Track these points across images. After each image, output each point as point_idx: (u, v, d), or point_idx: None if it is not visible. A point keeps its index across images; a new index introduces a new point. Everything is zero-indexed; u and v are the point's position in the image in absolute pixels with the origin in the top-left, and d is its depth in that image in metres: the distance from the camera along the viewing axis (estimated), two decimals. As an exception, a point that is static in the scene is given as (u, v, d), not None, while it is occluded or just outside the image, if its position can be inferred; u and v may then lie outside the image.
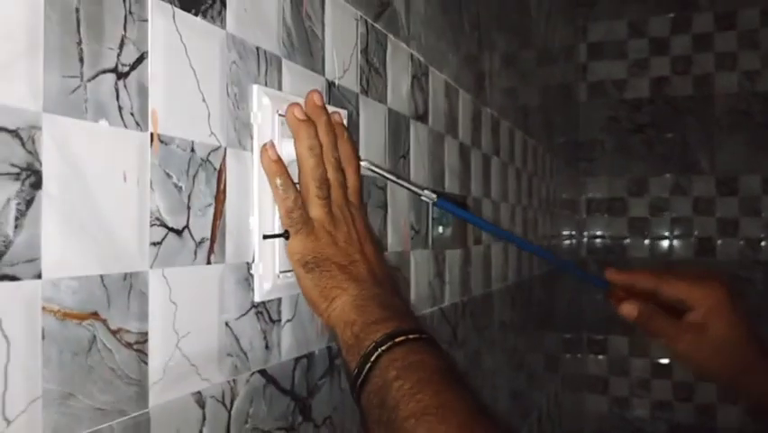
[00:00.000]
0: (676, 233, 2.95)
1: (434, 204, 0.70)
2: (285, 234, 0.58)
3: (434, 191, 0.69)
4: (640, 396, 2.96)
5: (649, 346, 2.93)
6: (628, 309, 0.72)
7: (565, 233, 2.66)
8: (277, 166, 0.58)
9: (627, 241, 3.02)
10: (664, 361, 2.93)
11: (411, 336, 0.54)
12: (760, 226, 2.82)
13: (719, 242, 2.88)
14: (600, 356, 3.02)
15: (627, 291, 0.75)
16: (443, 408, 0.48)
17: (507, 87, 1.62)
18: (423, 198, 0.69)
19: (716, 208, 2.87)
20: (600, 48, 3.04)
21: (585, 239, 3.08)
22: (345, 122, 0.69)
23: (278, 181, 0.58)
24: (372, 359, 0.53)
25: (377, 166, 0.66)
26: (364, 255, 0.61)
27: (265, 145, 0.58)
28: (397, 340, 0.53)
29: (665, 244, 2.96)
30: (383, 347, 0.53)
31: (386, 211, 0.86)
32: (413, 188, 0.70)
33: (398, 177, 0.70)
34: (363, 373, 0.53)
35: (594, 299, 3.00)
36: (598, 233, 3.07)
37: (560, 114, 2.58)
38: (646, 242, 2.99)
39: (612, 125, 2.99)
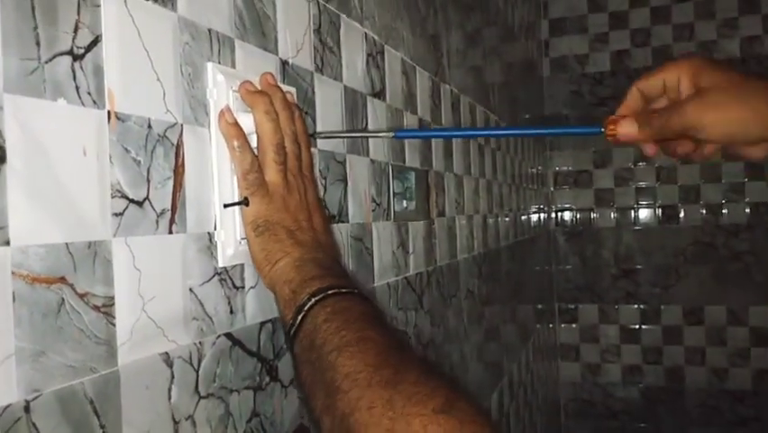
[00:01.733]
0: (641, 202, 3.02)
1: (394, 137, 0.72)
2: (244, 202, 0.62)
3: (389, 129, 0.73)
4: (611, 361, 3.04)
5: (618, 313, 3.01)
6: (626, 129, 0.65)
7: (534, 207, 2.72)
8: (234, 129, 0.61)
9: (594, 211, 3.09)
10: (634, 326, 3.01)
11: (344, 290, 0.58)
12: (720, 192, 2.90)
13: (683, 209, 2.95)
14: (573, 325, 3.10)
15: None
16: (363, 340, 0.52)
17: (467, 65, 1.66)
18: (381, 137, 0.72)
19: (678, 176, 2.94)
20: (562, 23, 3.10)
21: (554, 212, 3.14)
22: (296, 100, 0.73)
23: (236, 143, 0.61)
24: (306, 308, 0.56)
25: (327, 132, 0.70)
26: (311, 224, 0.65)
27: (222, 110, 0.61)
28: (330, 292, 0.57)
29: (631, 213, 3.04)
30: (317, 297, 0.57)
31: (346, 184, 0.90)
32: (369, 134, 0.73)
33: (350, 131, 0.73)
34: (297, 322, 0.57)
35: (564, 270, 3.07)
36: (566, 205, 3.13)
37: (524, 90, 2.63)
38: (612, 213, 3.06)
39: (575, 99, 3.06)
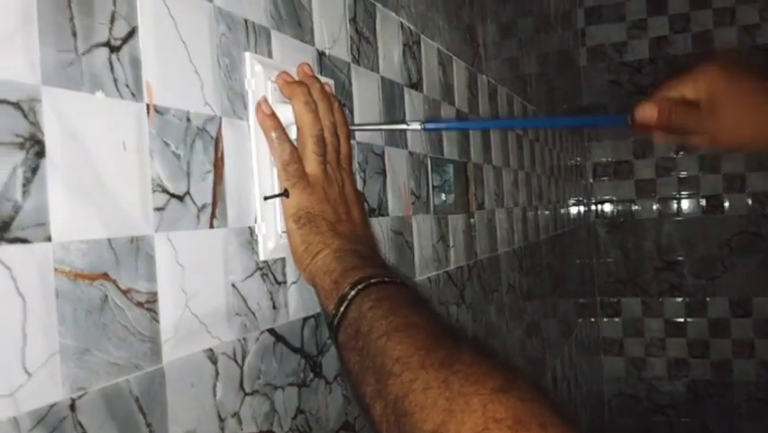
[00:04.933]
0: (683, 192, 2.95)
1: (423, 129, 0.72)
2: (285, 193, 0.60)
3: (416, 120, 0.73)
4: (656, 355, 2.98)
5: (662, 306, 2.95)
6: (645, 112, 0.70)
7: (573, 199, 2.67)
8: (271, 120, 0.60)
9: (635, 203, 3.03)
10: (679, 319, 2.95)
11: (386, 279, 0.56)
12: (767, 180, 2.81)
13: (727, 198, 2.88)
14: (616, 319, 3.04)
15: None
16: (412, 325, 0.50)
17: (504, 55, 1.63)
18: (410, 128, 0.72)
19: (722, 165, 2.87)
20: (598, 11, 3.04)
21: (594, 204, 3.09)
22: (334, 92, 0.72)
23: (274, 135, 0.60)
24: (349, 297, 0.55)
25: (358, 124, 0.70)
26: (350, 217, 0.64)
27: (259, 102, 0.60)
28: (373, 281, 0.56)
29: (674, 203, 2.97)
30: (360, 286, 0.55)
31: (384, 177, 0.88)
32: (398, 126, 0.73)
33: (381, 123, 0.73)
34: (341, 311, 0.55)
35: (606, 262, 3.02)
36: (607, 197, 3.08)
37: (561, 80, 2.59)
38: (654, 203, 3.00)
39: (614, 88, 3.00)
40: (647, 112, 0.69)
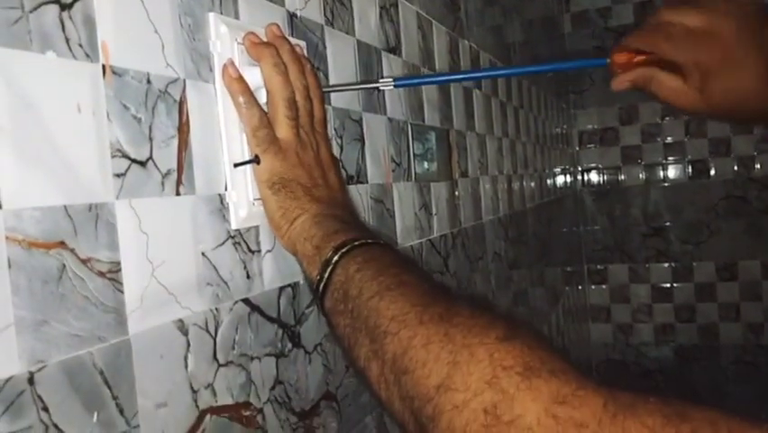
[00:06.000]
0: (669, 158, 2.95)
1: (394, 87, 0.70)
2: (255, 160, 0.58)
3: (387, 77, 0.72)
4: (643, 321, 3.00)
5: (648, 272, 2.96)
6: (618, 83, 0.65)
7: (559, 168, 2.66)
8: (239, 84, 0.58)
9: (621, 170, 3.02)
10: (665, 285, 2.96)
11: (370, 241, 0.55)
12: (752, 144, 2.81)
13: (713, 163, 2.88)
14: (603, 286, 3.05)
15: (628, 64, 0.65)
16: (404, 284, 0.49)
17: (487, 21, 1.60)
18: (381, 87, 0.70)
19: (708, 129, 2.86)
20: (582, -23, 3.00)
21: (580, 172, 3.08)
22: (306, 54, 0.69)
23: (242, 99, 0.58)
24: (334, 261, 0.54)
25: (329, 86, 0.68)
26: (327, 181, 0.62)
27: (225, 65, 0.58)
28: (356, 243, 0.54)
29: (660, 170, 2.96)
30: (343, 249, 0.54)
31: (363, 144, 0.86)
32: (369, 85, 0.72)
33: (352, 84, 0.72)
34: (326, 276, 0.54)
35: (593, 230, 3.02)
36: (593, 165, 3.07)
37: (545, 47, 2.56)
38: (640, 170, 2.99)
39: (599, 55, 2.96)
40: (616, 84, 0.64)
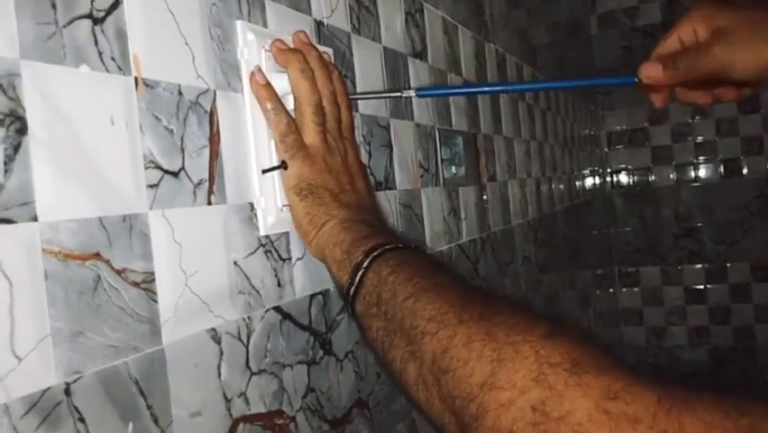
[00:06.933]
0: (701, 157, 2.90)
1: (417, 96, 0.70)
2: (282, 166, 0.59)
3: (410, 87, 0.72)
4: (676, 324, 2.95)
5: (681, 274, 2.91)
6: (650, 71, 0.64)
7: (588, 169, 2.63)
8: (266, 90, 0.58)
9: (652, 171, 2.98)
10: (699, 286, 2.91)
11: (401, 245, 0.55)
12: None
13: (745, 162, 2.82)
14: (635, 289, 3.01)
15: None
16: (440, 285, 0.49)
17: (512, 24, 1.59)
18: (403, 96, 0.70)
19: (739, 128, 2.81)
20: (608, -24, 2.97)
21: (609, 174, 3.04)
22: (333, 61, 0.69)
23: (269, 105, 0.58)
24: (365, 265, 0.54)
25: (355, 93, 0.69)
26: (355, 187, 0.62)
27: (253, 71, 0.58)
28: (387, 247, 0.54)
29: (691, 170, 2.92)
30: (375, 253, 0.54)
31: (391, 150, 0.86)
32: (391, 94, 0.73)
33: (376, 93, 0.73)
34: (357, 280, 0.54)
35: (623, 232, 2.98)
36: (622, 166, 3.03)
37: (572, 48, 2.54)
38: (671, 171, 2.95)
39: (626, 55, 2.94)
40: (650, 70, 0.63)
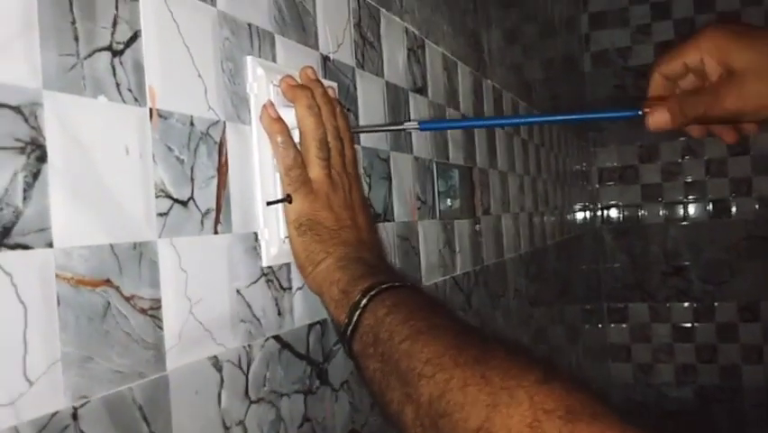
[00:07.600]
0: (690, 196, 2.94)
1: (419, 129, 0.71)
2: (287, 199, 0.60)
3: (413, 120, 0.74)
4: (664, 361, 2.96)
5: (669, 312, 2.93)
6: (658, 119, 0.61)
7: (579, 205, 2.66)
8: (278, 124, 0.60)
9: (642, 208, 3.01)
10: (686, 324, 2.93)
11: (397, 284, 0.56)
12: (774, 183, 2.79)
13: (734, 203, 2.86)
14: (623, 325, 3.02)
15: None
16: (436, 327, 0.49)
17: (508, 60, 1.62)
18: (406, 129, 0.71)
19: (728, 169, 2.85)
20: (602, 16, 3.03)
21: (600, 209, 3.07)
22: (338, 96, 0.71)
23: (279, 139, 0.59)
24: (362, 305, 0.54)
25: (357, 127, 0.71)
26: (355, 222, 0.63)
27: (265, 105, 0.60)
28: (384, 287, 0.55)
29: (680, 208, 2.95)
30: (372, 292, 0.54)
31: (390, 182, 0.88)
32: (395, 127, 0.74)
33: (379, 126, 0.74)
34: (354, 319, 0.54)
35: (612, 268, 3.00)
36: (613, 202, 3.06)
37: (566, 85, 2.58)
38: (660, 208, 2.98)
39: (619, 94, 2.98)
40: (658, 119, 0.60)
